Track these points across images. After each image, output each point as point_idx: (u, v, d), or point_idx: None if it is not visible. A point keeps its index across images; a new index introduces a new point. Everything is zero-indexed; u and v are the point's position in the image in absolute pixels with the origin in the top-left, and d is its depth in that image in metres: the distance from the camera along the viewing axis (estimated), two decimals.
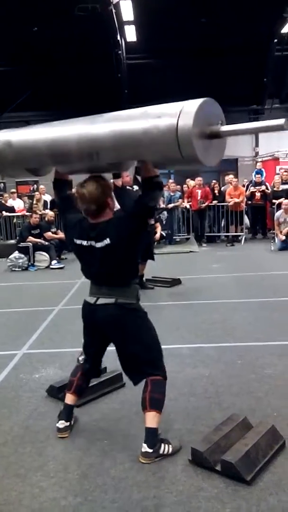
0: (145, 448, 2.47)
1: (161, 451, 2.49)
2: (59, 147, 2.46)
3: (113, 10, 12.62)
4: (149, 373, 2.54)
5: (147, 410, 2.49)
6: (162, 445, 2.50)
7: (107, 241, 2.44)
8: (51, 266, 9.39)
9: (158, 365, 2.58)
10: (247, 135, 18.36)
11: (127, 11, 12.74)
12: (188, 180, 13.04)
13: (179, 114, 2.03)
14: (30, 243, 9.56)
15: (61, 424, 2.78)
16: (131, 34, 14.68)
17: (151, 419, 2.49)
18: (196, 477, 2.33)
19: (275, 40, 15.09)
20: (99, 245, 2.47)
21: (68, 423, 2.79)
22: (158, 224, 11.40)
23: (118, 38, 14.85)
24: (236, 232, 11.97)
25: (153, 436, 2.48)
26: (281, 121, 2.06)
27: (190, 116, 2.00)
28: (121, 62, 15.68)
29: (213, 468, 2.33)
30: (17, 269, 9.37)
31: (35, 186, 15.68)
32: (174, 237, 12.11)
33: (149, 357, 2.57)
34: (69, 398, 2.82)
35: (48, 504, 2.19)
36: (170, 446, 2.52)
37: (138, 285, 2.70)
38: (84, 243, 2.53)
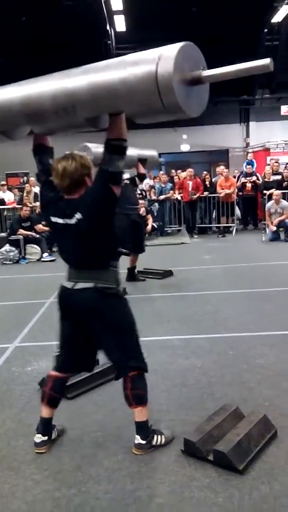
0: (138, 439, 2.48)
1: (153, 442, 2.50)
2: (33, 103, 2.30)
3: None
4: (127, 368, 2.43)
5: (132, 406, 2.47)
6: (155, 436, 2.51)
7: (78, 215, 2.31)
8: (42, 259, 9.36)
9: (136, 357, 2.46)
10: (237, 125, 18.38)
11: (116, 1, 12.61)
12: (179, 171, 13.02)
13: (158, 59, 1.91)
14: (21, 236, 9.51)
15: (38, 438, 2.56)
16: (120, 23, 14.55)
17: (138, 414, 2.47)
18: (188, 467, 2.34)
19: (265, 30, 15.04)
20: (72, 221, 2.34)
21: (46, 437, 2.56)
22: (149, 216, 11.38)
23: (108, 27, 14.72)
24: (227, 223, 11.99)
25: (144, 428, 2.48)
26: (266, 60, 1.94)
27: (170, 61, 1.88)
28: (111, 52, 15.55)
29: (206, 458, 2.35)
30: (8, 262, 9.32)
31: (25, 178, 15.55)
32: (165, 229, 12.12)
33: (127, 348, 2.45)
34: (44, 411, 2.60)
35: (42, 496, 2.19)
36: (163, 436, 2.53)
37: (116, 269, 2.51)
38: (60, 221, 2.39)
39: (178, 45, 1.95)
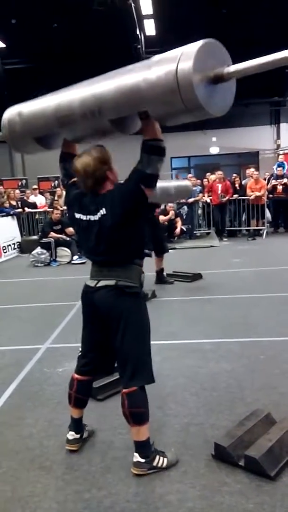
0: (136, 457, 2.34)
1: (154, 463, 2.35)
2: (64, 107, 2.39)
3: (132, 4, 12.59)
4: (128, 383, 2.32)
5: (130, 425, 2.36)
6: (157, 457, 2.37)
7: (103, 211, 2.26)
8: (72, 262, 9.47)
9: (142, 371, 2.33)
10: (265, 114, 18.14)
11: (146, 5, 12.70)
12: (208, 174, 12.95)
13: (179, 57, 1.88)
14: (52, 239, 9.65)
15: (71, 435, 2.62)
16: (150, 28, 14.62)
17: (136, 433, 2.35)
18: (219, 472, 2.32)
19: None
20: (96, 217, 2.30)
21: (78, 435, 2.62)
22: (178, 219, 11.38)
23: (137, 32, 14.81)
24: (257, 226, 11.84)
25: (143, 448, 2.35)
26: None
27: (190, 58, 1.85)
28: (141, 56, 15.63)
29: (237, 463, 2.33)
30: (39, 264, 9.47)
31: (56, 182, 15.81)
32: (194, 232, 12.06)
33: (136, 358, 2.33)
34: (73, 412, 2.64)
35: (72, 496, 2.22)
36: (166, 459, 2.38)
37: (139, 268, 2.44)
38: (83, 217, 2.36)
39: (200, 42, 1.91)
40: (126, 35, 14.61)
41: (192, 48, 1.89)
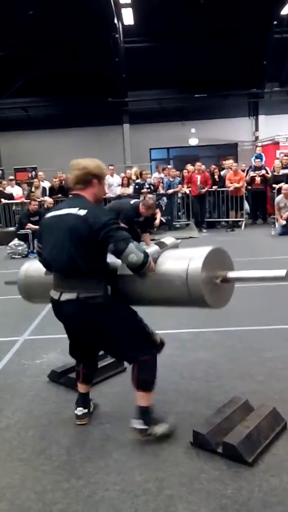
0: (134, 423, 2.48)
1: (150, 431, 2.47)
2: None
3: None
4: (135, 359, 2.48)
5: (136, 390, 2.49)
6: (154, 425, 2.48)
7: (82, 211, 2.33)
8: None
9: (143, 347, 2.46)
10: (247, 123, 18.24)
11: None
12: (188, 165, 12.95)
13: (191, 258, 2.28)
14: (30, 230, 9.53)
15: (79, 411, 2.75)
16: (128, 17, 14.47)
17: (140, 398, 2.48)
18: (198, 459, 2.34)
19: (275, 22, 14.89)
20: (68, 211, 2.38)
21: (86, 410, 2.76)
22: (158, 210, 11.36)
23: (115, 21, 14.65)
24: (236, 217, 11.92)
25: (143, 414, 2.47)
26: (282, 272, 2.23)
27: (199, 260, 2.24)
28: (119, 46, 15.49)
29: (215, 450, 2.35)
30: (16, 256, 9.36)
31: (34, 173, 15.60)
32: (174, 223, 12.07)
33: (130, 346, 2.47)
34: (81, 387, 2.81)
35: (51, 486, 2.21)
36: (163, 428, 2.48)
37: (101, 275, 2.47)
38: (57, 213, 2.45)
39: (208, 248, 2.31)
40: (104, 24, 14.44)
41: (203, 252, 2.28)
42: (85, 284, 2.37)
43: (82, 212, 2.34)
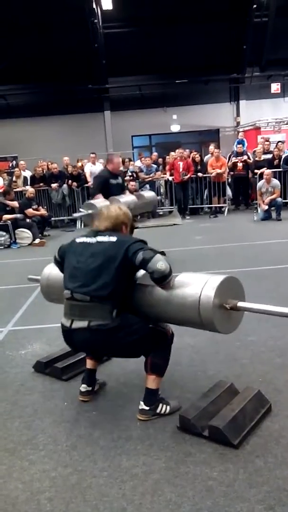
0: (142, 405, 2.59)
1: (158, 410, 2.60)
2: None
3: None
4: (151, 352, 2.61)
5: (148, 373, 2.59)
6: (160, 404, 2.60)
7: (112, 238, 2.50)
8: (34, 243, 9.30)
9: (158, 346, 2.59)
10: (228, 107, 18.19)
11: None
12: (172, 153, 12.90)
13: (204, 284, 2.35)
14: (9, 221, 9.42)
15: (83, 387, 2.85)
16: (107, 2, 14.24)
17: (151, 381, 2.59)
18: (184, 443, 2.36)
19: (254, 6, 14.80)
20: (99, 239, 2.53)
21: (90, 388, 2.85)
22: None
23: (94, 6, 14.41)
24: (219, 203, 11.95)
25: (151, 396, 2.58)
26: None
27: (212, 287, 2.32)
28: (98, 31, 15.24)
29: (201, 434, 2.37)
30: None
31: (15, 162, 15.37)
32: (157, 210, 12.05)
33: (145, 351, 2.59)
34: (88, 363, 2.91)
35: (38, 475, 2.21)
36: (168, 406, 2.62)
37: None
38: (87, 240, 2.58)
39: (222, 277, 2.37)
40: (82, 9, 14.20)
41: (216, 280, 2.34)
42: (97, 312, 2.44)
43: (113, 238, 2.51)
